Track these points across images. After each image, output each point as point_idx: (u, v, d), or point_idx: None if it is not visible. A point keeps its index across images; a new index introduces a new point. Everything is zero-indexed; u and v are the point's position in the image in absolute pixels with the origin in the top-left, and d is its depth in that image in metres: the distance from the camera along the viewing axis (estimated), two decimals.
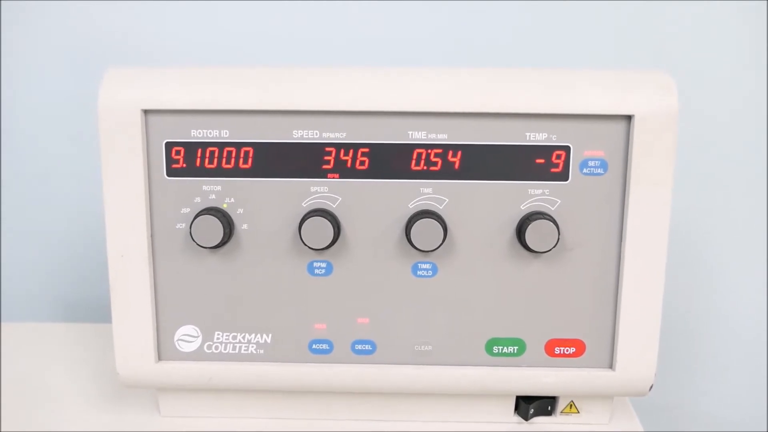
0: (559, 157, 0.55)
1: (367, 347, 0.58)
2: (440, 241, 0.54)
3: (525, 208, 0.55)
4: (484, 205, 0.56)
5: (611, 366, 0.58)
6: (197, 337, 0.58)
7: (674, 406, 0.96)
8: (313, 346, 0.58)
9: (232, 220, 0.56)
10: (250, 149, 0.55)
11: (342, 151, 0.55)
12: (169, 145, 0.55)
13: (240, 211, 0.56)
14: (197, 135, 0.55)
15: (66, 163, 0.89)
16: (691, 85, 0.76)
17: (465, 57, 0.84)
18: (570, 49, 0.84)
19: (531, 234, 0.54)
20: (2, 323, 0.80)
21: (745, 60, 0.83)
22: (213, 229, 0.54)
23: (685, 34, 0.83)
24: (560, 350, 0.58)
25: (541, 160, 0.55)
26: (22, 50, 0.86)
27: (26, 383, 0.68)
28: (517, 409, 0.62)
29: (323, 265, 0.57)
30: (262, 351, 0.58)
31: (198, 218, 0.54)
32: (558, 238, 0.54)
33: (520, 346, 0.58)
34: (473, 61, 0.84)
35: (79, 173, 0.89)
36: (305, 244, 0.54)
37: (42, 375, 0.69)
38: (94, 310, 0.92)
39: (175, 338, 0.58)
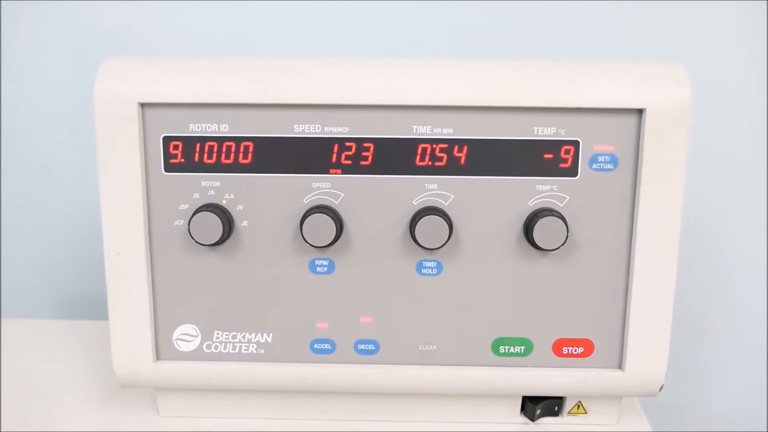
0: (567, 152, 0.54)
1: (371, 347, 0.57)
2: (445, 239, 0.53)
3: (533, 204, 0.55)
4: (491, 202, 0.55)
5: (620, 366, 0.57)
6: (196, 336, 0.58)
7: (683, 404, 0.95)
8: (315, 346, 0.57)
9: (231, 216, 0.55)
10: (250, 144, 0.54)
11: (345, 146, 0.54)
12: (167, 140, 0.54)
13: (240, 207, 0.55)
14: (196, 129, 0.54)
15: (66, 159, 0.89)
16: (702, 79, 0.75)
17: (469, 48, 0.83)
18: (569, 46, 0.83)
19: (539, 231, 0.53)
20: (2, 319, 0.80)
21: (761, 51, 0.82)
22: (212, 226, 0.53)
23: (688, 32, 0.82)
24: (568, 350, 0.57)
25: (550, 155, 0.54)
26: (24, 45, 0.85)
27: (25, 381, 0.67)
28: (523, 409, 0.61)
29: (325, 263, 0.56)
30: (262, 351, 0.58)
31: (197, 215, 0.53)
32: (566, 236, 0.53)
33: (527, 345, 0.57)
34: (478, 52, 0.83)
35: (80, 169, 0.89)
36: (307, 242, 0.54)
37: (41, 373, 0.69)
38: (95, 306, 0.91)
39: (174, 337, 0.58)
